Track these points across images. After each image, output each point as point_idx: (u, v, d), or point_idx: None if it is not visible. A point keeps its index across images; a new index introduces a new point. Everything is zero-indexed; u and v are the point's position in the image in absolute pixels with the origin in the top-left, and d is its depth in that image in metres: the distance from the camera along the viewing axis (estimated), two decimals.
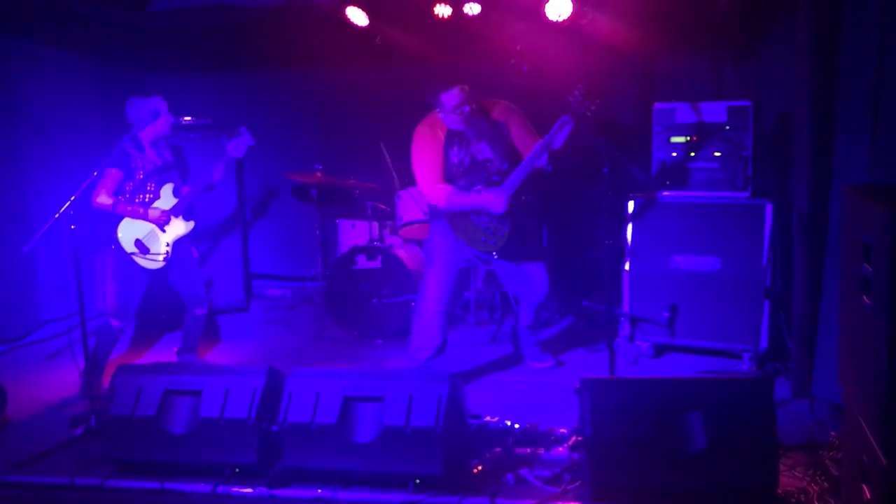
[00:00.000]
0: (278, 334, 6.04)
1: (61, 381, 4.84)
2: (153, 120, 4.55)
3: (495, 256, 4.55)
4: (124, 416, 3.56)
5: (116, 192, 4.50)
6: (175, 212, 4.65)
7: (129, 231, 4.53)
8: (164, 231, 4.62)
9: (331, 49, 6.28)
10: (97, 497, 3.51)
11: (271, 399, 3.54)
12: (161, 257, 4.58)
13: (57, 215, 3.95)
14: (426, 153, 4.52)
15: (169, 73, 6.86)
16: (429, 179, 4.51)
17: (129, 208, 4.50)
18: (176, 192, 4.69)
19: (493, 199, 4.38)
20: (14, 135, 5.73)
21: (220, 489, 3.44)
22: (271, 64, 6.88)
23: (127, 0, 5.98)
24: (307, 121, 7.00)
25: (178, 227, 4.69)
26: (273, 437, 3.48)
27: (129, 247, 4.52)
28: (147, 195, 4.59)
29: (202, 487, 3.46)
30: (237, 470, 3.51)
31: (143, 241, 4.55)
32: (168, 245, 4.63)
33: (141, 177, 4.56)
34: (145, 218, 4.54)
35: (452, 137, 4.51)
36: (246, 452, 3.49)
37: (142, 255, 4.54)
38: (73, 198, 3.98)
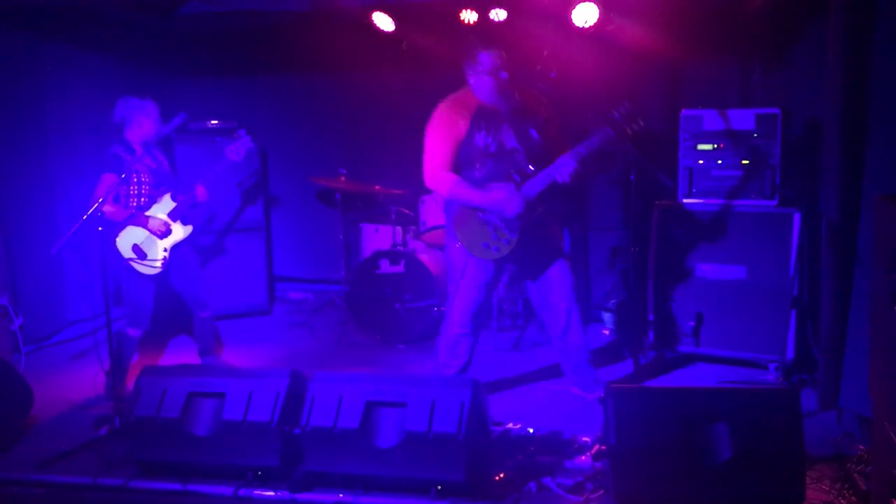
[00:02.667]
0: (301, 338, 6.05)
1: (86, 381, 4.88)
2: (140, 121, 4.55)
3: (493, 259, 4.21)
4: (148, 417, 3.58)
5: (115, 199, 4.51)
6: (173, 217, 4.67)
7: (127, 237, 4.56)
8: (161, 239, 4.65)
9: (357, 54, 6.30)
10: (120, 497, 3.54)
11: (294, 403, 3.55)
12: (158, 263, 4.60)
13: (84, 217, 3.99)
14: (441, 132, 4.14)
15: (196, 77, 6.92)
16: (434, 162, 4.14)
17: (130, 216, 4.53)
18: (174, 196, 4.71)
19: (507, 200, 4.02)
20: (43, 137, 5.80)
21: (242, 492, 3.45)
22: (297, 68, 6.92)
23: (156, 4, 6.03)
24: (332, 125, 7.02)
25: (177, 232, 4.71)
26: (295, 441, 3.48)
27: (126, 252, 4.55)
28: (143, 198, 4.61)
29: (224, 490, 3.47)
30: (259, 473, 3.51)
31: (141, 246, 4.58)
32: (166, 250, 4.64)
33: (136, 180, 4.57)
34: (145, 226, 4.56)
35: (481, 118, 4.11)
36: (268, 455, 3.49)
37: (140, 261, 4.56)
38: (100, 200, 4.02)
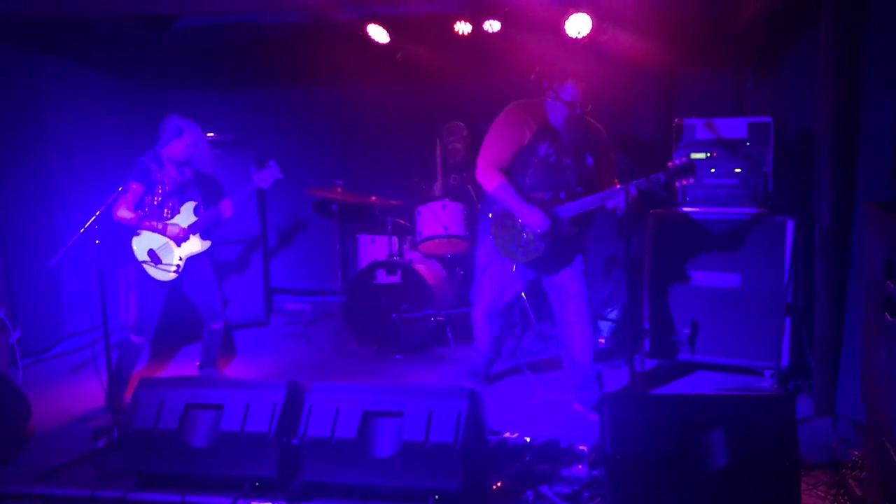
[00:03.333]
0: (298, 349, 6.06)
1: (85, 393, 4.89)
2: (172, 141, 4.59)
3: (513, 269, 4.46)
4: (146, 429, 3.59)
5: (137, 206, 4.56)
6: (193, 230, 4.71)
7: (143, 241, 4.59)
8: (178, 245, 4.67)
9: (352, 66, 6.34)
10: None
11: (291, 413, 3.56)
12: (173, 269, 4.63)
13: (82, 230, 4.01)
14: (507, 133, 4.34)
15: (192, 90, 6.95)
16: (490, 158, 4.36)
17: (148, 223, 4.56)
18: (196, 211, 4.75)
19: (537, 219, 4.23)
20: (41, 151, 5.82)
21: (241, 503, 3.45)
22: (293, 80, 6.96)
23: (152, 19, 6.07)
24: (328, 136, 7.06)
25: (194, 245, 4.74)
26: (293, 451, 3.49)
27: (141, 255, 4.58)
28: (166, 210, 4.65)
29: (222, 501, 3.47)
30: (257, 484, 3.52)
31: (157, 251, 4.61)
32: (181, 259, 4.67)
33: (160, 192, 4.62)
34: (163, 233, 4.60)
35: (546, 132, 4.31)
36: (266, 466, 3.50)
37: (153, 265, 4.59)
38: (97, 213, 4.05)
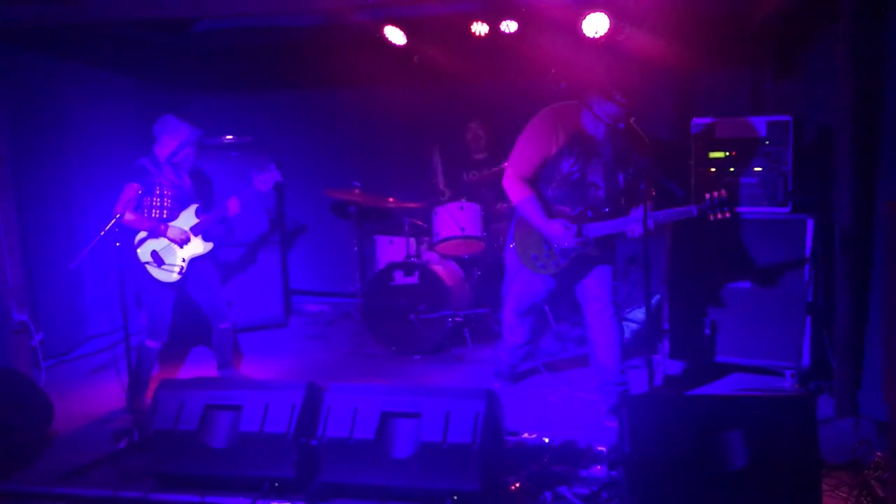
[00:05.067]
0: (317, 350, 6.09)
1: (106, 395, 4.93)
2: (167, 141, 4.63)
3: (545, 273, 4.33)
4: (166, 430, 3.61)
5: (137, 209, 4.59)
6: (195, 231, 4.74)
7: (147, 243, 4.63)
8: (181, 247, 4.71)
9: (369, 68, 6.35)
10: None
11: (310, 414, 3.57)
12: (176, 269, 4.66)
13: (102, 233, 4.05)
14: (535, 143, 4.17)
15: (210, 92, 7.00)
16: (518, 170, 4.21)
17: (149, 225, 4.60)
18: (198, 213, 4.78)
19: (561, 234, 4.12)
20: (62, 154, 5.88)
21: (260, 503, 3.47)
22: (310, 83, 6.99)
23: (170, 23, 6.11)
24: (346, 138, 7.08)
25: (197, 247, 4.76)
26: (312, 452, 3.51)
27: (144, 256, 4.62)
28: (166, 212, 4.68)
29: (241, 501, 3.49)
30: (276, 484, 3.54)
31: (160, 252, 4.64)
32: (184, 260, 4.71)
33: (159, 193, 4.65)
34: (164, 235, 4.63)
35: (576, 143, 4.12)
36: (285, 467, 3.52)
37: (156, 266, 4.63)
38: (117, 216, 4.09)
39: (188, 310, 5.02)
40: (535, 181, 4.25)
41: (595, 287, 4.33)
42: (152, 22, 5.91)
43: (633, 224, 4.02)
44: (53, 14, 4.88)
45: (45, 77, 5.76)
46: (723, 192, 3.91)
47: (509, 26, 5.79)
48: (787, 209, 4.67)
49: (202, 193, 5.00)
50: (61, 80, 5.91)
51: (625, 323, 5.76)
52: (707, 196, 3.94)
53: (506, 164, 4.39)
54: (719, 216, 3.92)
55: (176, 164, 4.72)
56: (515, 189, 4.22)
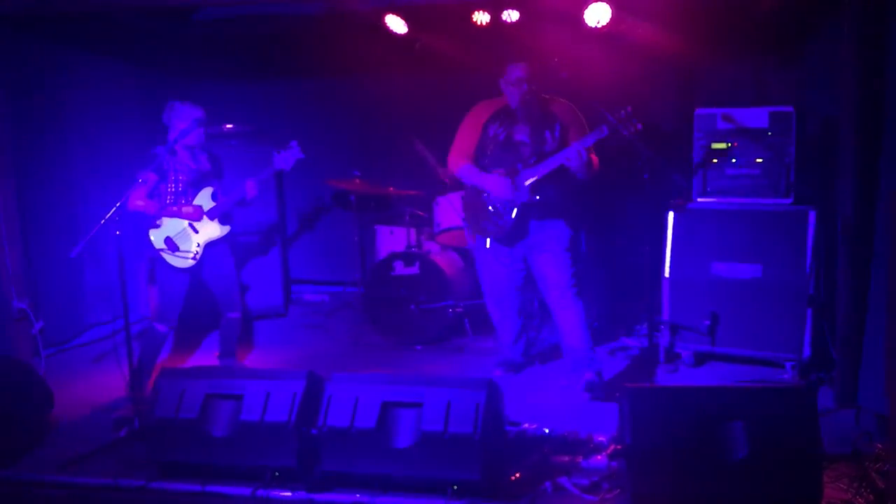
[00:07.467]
0: (317, 339, 6.08)
1: (107, 383, 4.93)
2: (176, 124, 4.61)
3: (488, 244, 4.65)
4: (167, 418, 3.61)
5: (151, 195, 4.58)
6: (210, 214, 4.72)
7: (160, 230, 4.62)
8: (196, 232, 4.68)
9: (370, 56, 6.33)
10: (140, 498, 3.57)
11: (311, 403, 3.57)
12: (191, 255, 4.63)
13: (103, 221, 4.03)
14: (467, 126, 4.70)
15: (211, 81, 6.96)
16: (454, 148, 4.70)
17: (163, 209, 4.59)
18: (214, 197, 4.76)
19: (498, 185, 4.45)
20: (63, 143, 5.87)
21: (260, 493, 3.48)
22: (312, 71, 6.96)
23: (172, 10, 6.09)
24: (347, 127, 7.06)
25: (213, 230, 4.74)
26: (312, 442, 3.50)
27: (158, 243, 4.60)
28: (182, 198, 4.66)
29: (242, 491, 3.49)
30: (277, 473, 3.54)
31: (174, 238, 4.62)
32: (199, 245, 4.68)
33: (174, 179, 4.63)
34: (178, 215, 4.61)
35: (499, 114, 4.59)
36: (285, 456, 3.52)
37: (170, 252, 4.60)
38: (118, 204, 4.07)
39: (205, 296, 4.98)
40: (475, 159, 4.64)
41: (553, 276, 4.53)
42: (154, 9, 5.89)
43: (565, 154, 4.26)
44: (55, 1, 4.86)
45: (47, 65, 5.73)
46: (628, 107, 4.10)
47: (511, 16, 5.76)
48: (789, 200, 4.67)
49: (219, 176, 4.96)
50: (63, 68, 5.89)
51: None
52: (616, 114, 4.11)
53: None
54: (631, 129, 4.10)
55: (190, 146, 4.69)
56: (455, 162, 4.67)
